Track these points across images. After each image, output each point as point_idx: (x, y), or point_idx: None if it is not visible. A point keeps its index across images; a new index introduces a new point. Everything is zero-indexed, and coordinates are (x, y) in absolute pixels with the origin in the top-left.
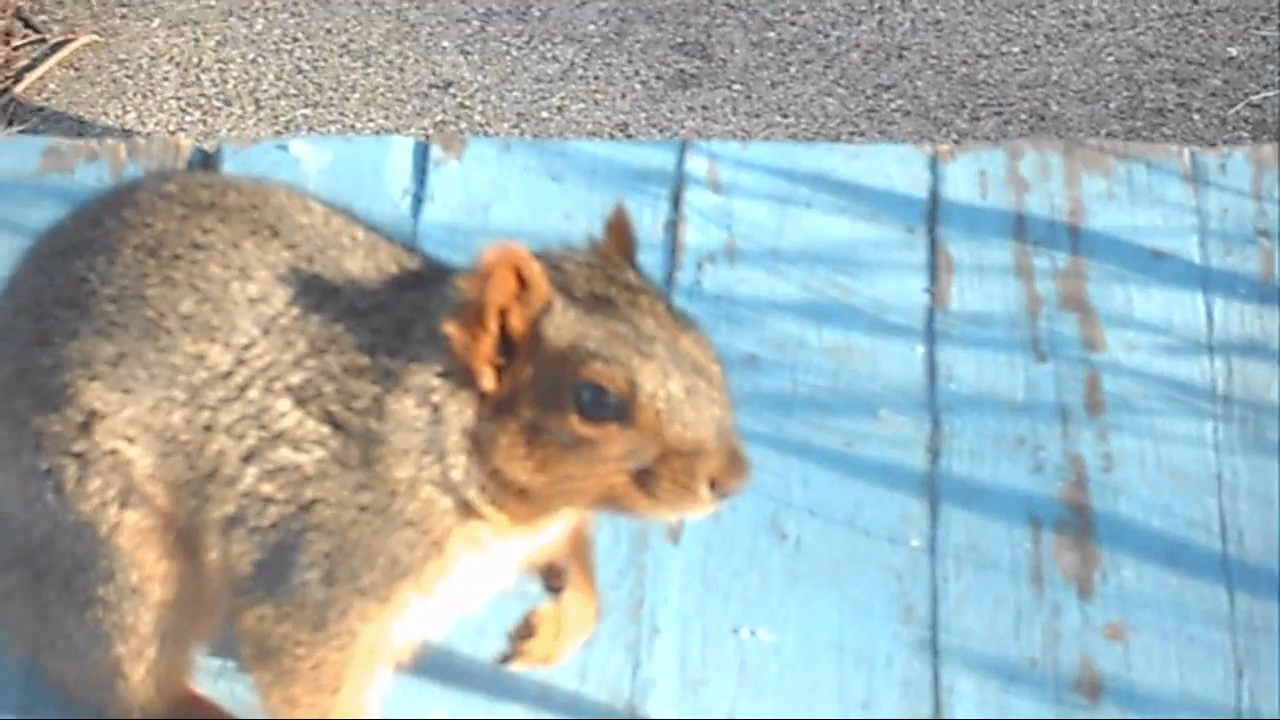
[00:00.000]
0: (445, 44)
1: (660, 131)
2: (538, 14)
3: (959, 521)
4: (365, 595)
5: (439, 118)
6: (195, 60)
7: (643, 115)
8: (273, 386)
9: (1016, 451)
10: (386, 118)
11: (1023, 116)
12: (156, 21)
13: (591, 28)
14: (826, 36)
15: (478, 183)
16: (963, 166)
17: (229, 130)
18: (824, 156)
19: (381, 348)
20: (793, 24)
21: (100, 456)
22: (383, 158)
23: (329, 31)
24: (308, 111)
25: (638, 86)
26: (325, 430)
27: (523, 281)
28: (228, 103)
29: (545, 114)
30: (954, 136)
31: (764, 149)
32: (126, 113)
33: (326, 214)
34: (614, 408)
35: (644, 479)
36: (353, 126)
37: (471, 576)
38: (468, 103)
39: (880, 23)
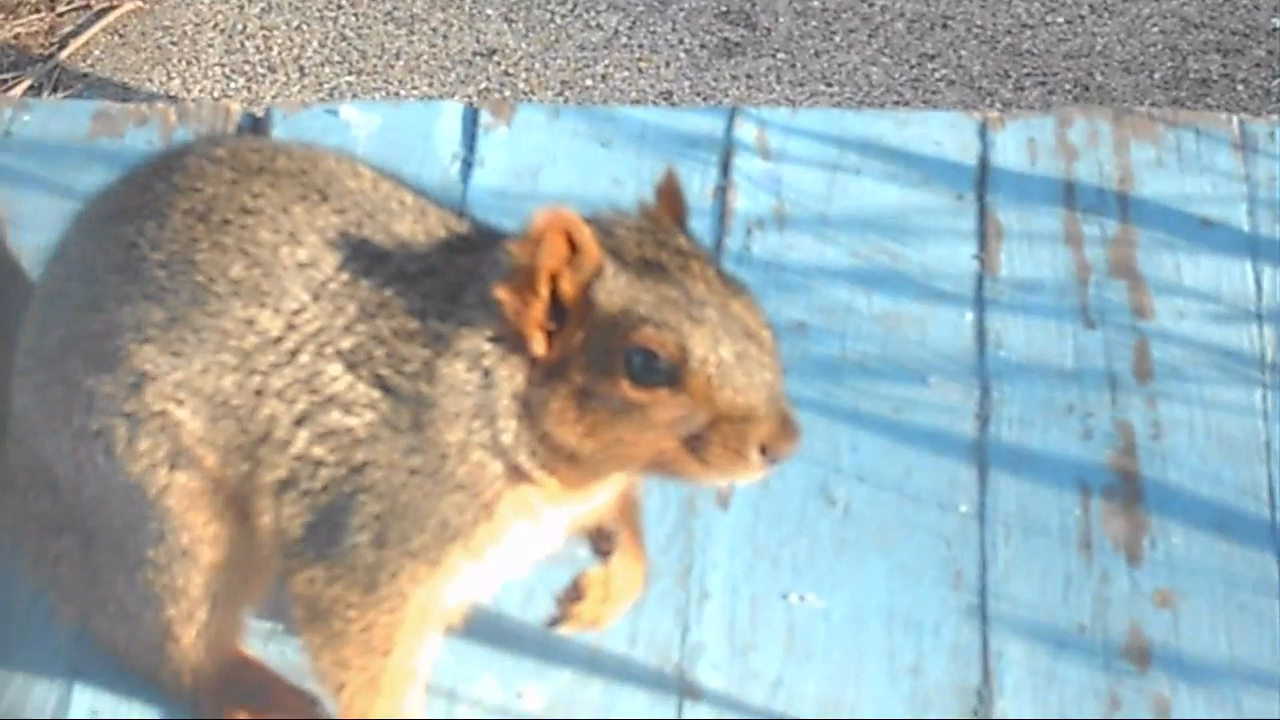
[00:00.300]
0: (489, 11)
1: (704, 100)
2: None
3: (1008, 488)
4: (415, 558)
5: (483, 85)
6: (240, 27)
7: (686, 83)
8: (323, 351)
9: (1066, 418)
10: (430, 85)
11: (1067, 86)
12: None
13: None
14: (871, 5)
15: (527, 148)
16: (1012, 134)
17: (273, 97)
18: (873, 123)
19: (432, 312)
20: None
21: (150, 417)
22: (432, 123)
23: None
24: (352, 79)
25: (682, 55)
26: (376, 394)
27: (574, 246)
28: (272, 70)
29: (589, 82)
30: (998, 106)
31: (813, 115)
32: (171, 79)
33: (375, 179)
34: (665, 373)
35: (695, 444)
36: (397, 94)
37: (521, 541)
38: (511, 70)
39: None
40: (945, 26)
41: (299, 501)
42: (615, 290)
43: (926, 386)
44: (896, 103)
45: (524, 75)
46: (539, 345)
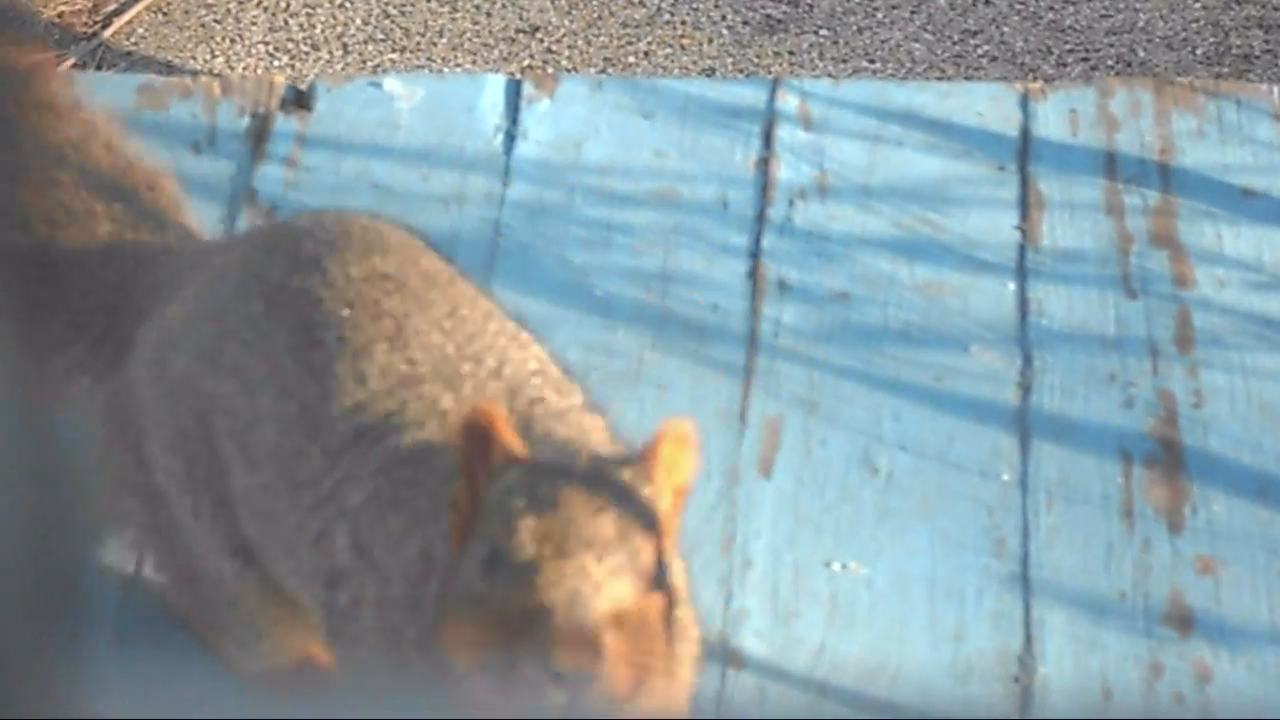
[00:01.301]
0: None
1: (746, 76)
2: None
3: (1050, 456)
4: None
5: (526, 62)
6: (283, 5)
7: (729, 60)
8: (342, 506)
9: (1107, 387)
10: (474, 62)
11: (1109, 62)
12: None
13: None
14: None
15: (570, 120)
16: (1054, 105)
17: (316, 75)
18: (915, 94)
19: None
20: None
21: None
22: (475, 95)
23: None
24: (395, 56)
25: (724, 31)
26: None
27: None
28: (315, 47)
29: (631, 59)
30: (1040, 82)
31: (855, 87)
32: (215, 57)
33: (486, 315)
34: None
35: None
36: (440, 71)
37: None
38: (554, 47)
39: None
40: (988, 3)
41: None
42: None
43: (968, 355)
44: (939, 78)
45: (566, 52)
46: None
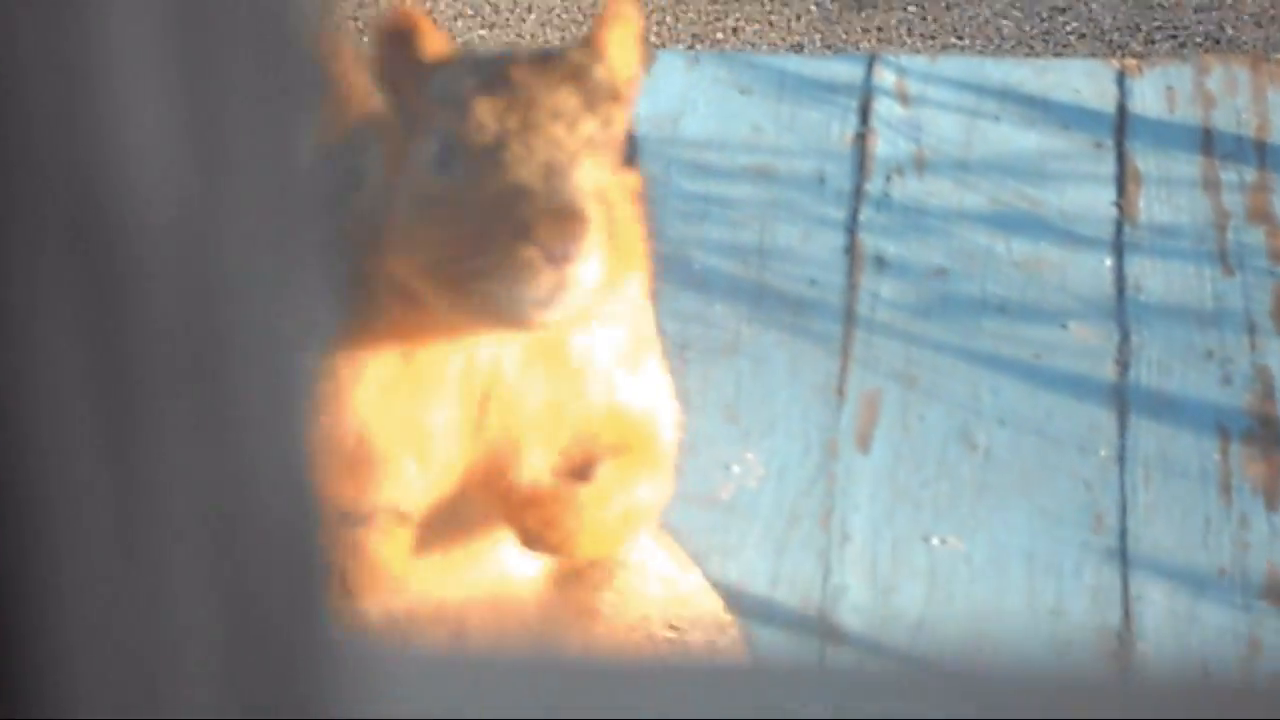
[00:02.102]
0: None
1: (834, 52)
2: None
3: (1148, 432)
4: None
5: None
6: None
7: (817, 36)
8: None
9: (1205, 363)
10: (562, 38)
11: (1198, 39)
12: None
13: None
14: None
15: (666, 95)
16: (1150, 82)
17: None
18: (1012, 71)
19: None
20: None
21: None
22: None
23: None
24: (484, 33)
25: (812, 7)
26: None
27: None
28: None
29: (719, 35)
30: (1136, 59)
31: (952, 63)
32: None
33: None
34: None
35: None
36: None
37: None
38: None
39: None
40: None
41: None
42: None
43: (1066, 331)
44: (1027, 54)
45: (655, 28)
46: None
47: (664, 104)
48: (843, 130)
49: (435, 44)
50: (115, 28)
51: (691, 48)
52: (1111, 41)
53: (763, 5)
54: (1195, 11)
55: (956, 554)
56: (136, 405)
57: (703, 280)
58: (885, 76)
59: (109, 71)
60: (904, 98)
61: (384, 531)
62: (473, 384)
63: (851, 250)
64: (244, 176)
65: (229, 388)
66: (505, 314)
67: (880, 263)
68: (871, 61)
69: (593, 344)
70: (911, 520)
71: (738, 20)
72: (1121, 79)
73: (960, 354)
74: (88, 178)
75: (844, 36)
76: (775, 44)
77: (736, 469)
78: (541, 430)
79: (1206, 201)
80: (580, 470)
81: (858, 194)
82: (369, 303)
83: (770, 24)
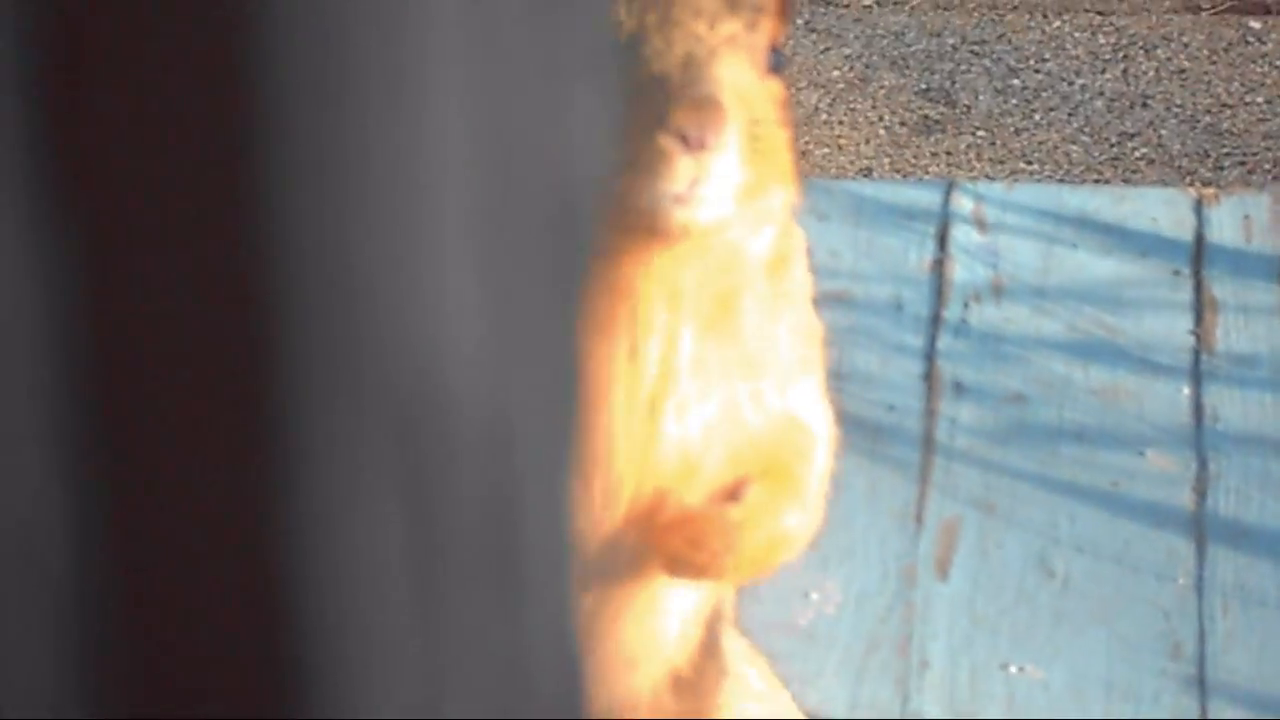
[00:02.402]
0: None
1: (903, 176)
2: None
3: (1226, 560)
4: None
5: None
6: None
7: (886, 160)
8: None
9: None
10: None
11: (1266, 166)
12: None
13: (836, 73)
14: (1070, 84)
15: None
16: (1227, 210)
17: None
18: (1089, 199)
19: None
20: (1037, 71)
21: None
22: None
23: None
24: None
25: (881, 131)
26: None
27: None
28: None
29: None
30: (1197, 184)
31: (1029, 190)
32: None
33: None
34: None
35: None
36: None
37: None
38: None
39: (1124, 71)
40: (1145, 105)
41: None
42: None
43: (1144, 459)
44: (1097, 180)
45: None
46: None
47: None
48: (920, 256)
49: None
50: (434, 232)
51: None
52: (1180, 168)
53: (831, 129)
54: (1264, 139)
55: (1035, 682)
56: (444, 581)
57: None
58: (963, 203)
59: (432, 272)
60: (981, 224)
61: None
62: (640, 378)
63: (929, 376)
64: (537, 369)
65: (522, 567)
66: (648, 210)
67: (958, 389)
68: (949, 188)
69: (766, 331)
70: (990, 648)
71: (806, 144)
72: (1199, 207)
73: (1038, 481)
74: (409, 372)
75: (913, 161)
76: (844, 167)
77: (815, 595)
78: (714, 438)
79: None
80: (729, 490)
81: (935, 320)
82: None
83: (839, 147)
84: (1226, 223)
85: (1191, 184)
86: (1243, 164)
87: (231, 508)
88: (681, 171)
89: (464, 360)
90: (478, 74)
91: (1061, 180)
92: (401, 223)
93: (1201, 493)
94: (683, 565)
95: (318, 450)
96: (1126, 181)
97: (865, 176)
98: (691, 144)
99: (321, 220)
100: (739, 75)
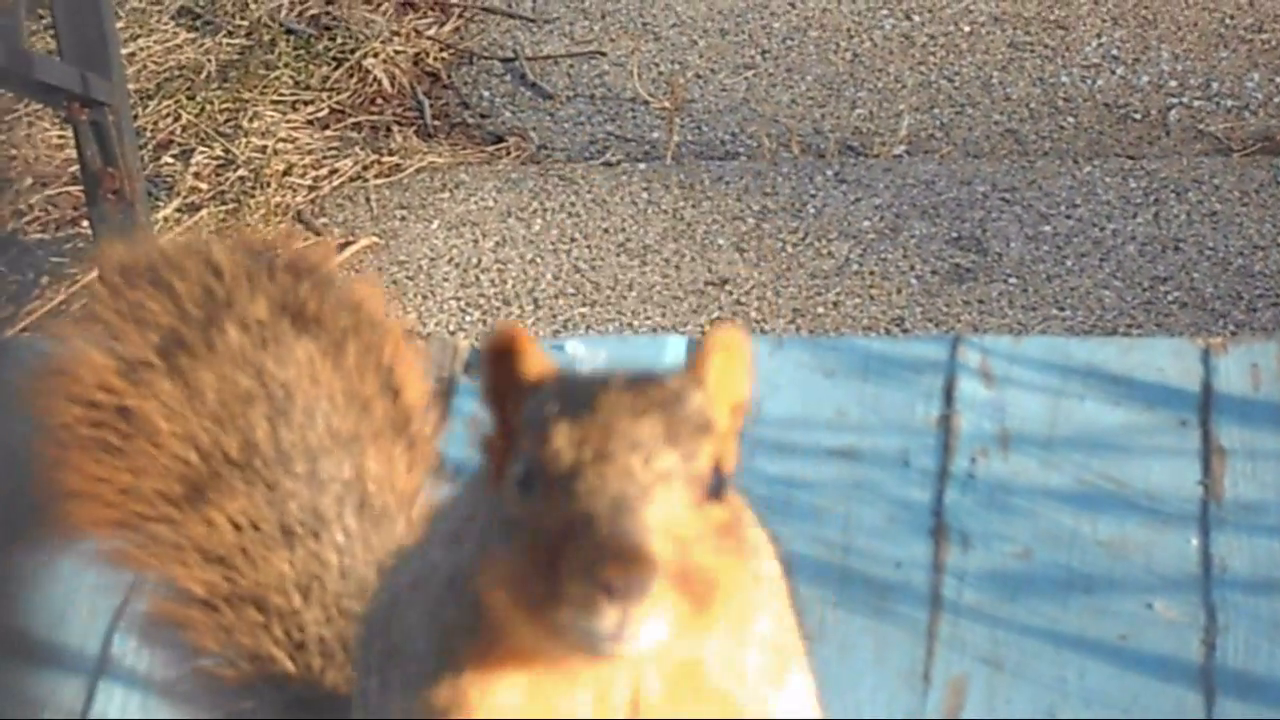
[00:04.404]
0: (721, 241)
1: (936, 325)
2: (813, 211)
3: (1235, 712)
4: None
5: (715, 314)
6: (475, 261)
7: (918, 309)
8: None
9: None
10: (663, 315)
11: None
12: (435, 223)
13: (866, 223)
14: (1102, 230)
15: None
16: (1235, 359)
17: None
18: (1097, 350)
19: None
20: (1068, 217)
21: None
22: (658, 355)
23: (606, 231)
24: (585, 310)
25: (913, 281)
26: None
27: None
28: (506, 302)
29: (820, 309)
30: (1230, 328)
31: (1037, 343)
32: (407, 313)
33: None
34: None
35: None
36: (630, 324)
37: None
38: (744, 299)
39: (1155, 215)
40: (1177, 249)
41: None
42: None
43: (1152, 611)
44: (1129, 325)
45: (755, 304)
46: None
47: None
48: (927, 411)
49: (535, 363)
50: None
51: (792, 322)
52: (1213, 310)
53: (863, 279)
54: None
55: None
56: None
57: (786, 565)
58: (969, 357)
59: None
60: (988, 378)
61: None
62: (610, 713)
63: (936, 531)
64: None
65: None
66: (581, 646)
67: (965, 543)
68: (955, 342)
69: (732, 664)
70: None
71: (838, 294)
72: (1206, 357)
73: (1046, 636)
74: None
75: (945, 309)
76: (876, 318)
77: None
78: None
79: None
80: None
81: (942, 474)
82: (492, 632)
83: (871, 298)
84: (1234, 371)
85: (1225, 326)
86: (1276, 305)
87: None
88: (608, 617)
89: None
90: None
91: (1094, 326)
92: None
93: (1210, 644)
94: None
95: None
96: (1159, 325)
97: (897, 326)
98: (615, 595)
99: None
100: (672, 513)
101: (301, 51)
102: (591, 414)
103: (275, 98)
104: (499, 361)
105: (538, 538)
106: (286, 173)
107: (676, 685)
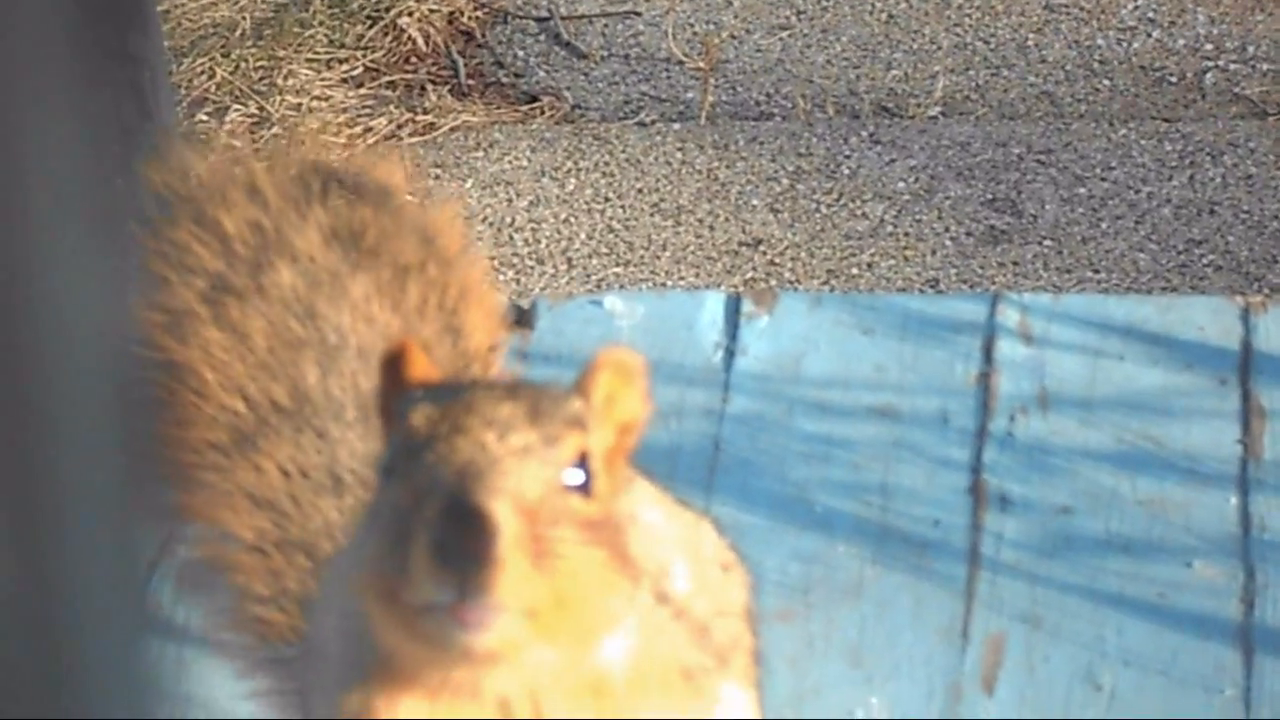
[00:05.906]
0: (755, 202)
1: (970, 287)
2: (847, 172)
3: (1274, 672)
4: None
5: (749, 275)
6: (509, 220)
7: (953, 271)
8: None
9: None
10: (697, 275)
11: None
12: (469, 182)
13: (901, 185)
14: (1137, 192)
15: (789, 336)
16: (1275, 318)
17: (541, 289)
18: (1136, 309)
19: None
20: (1103, 180)
21: None
22: (695, 312)
23: (640, 191)
24: (619, 270)
25: (948, 242)
26: None
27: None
28: (540, 262)
29: (855, 270)
30: (1265, 290)
31: (1076, 301)
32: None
33: None
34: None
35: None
36: (664, 284)
37: None
38: (777, 260)
39: (1191, 178)
40: (1212, 212)
41: None
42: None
43: (1191, 570)
44: (1164, 288)
45: (789, 265)
46: None
47: (786, 345)
48: (966, 369)
49: (421, 370)
50: None
51: (826, 283)
52: (1248, 273)
53: (898, 240)
54: None
55: None
56: None
57: (826, 521)
58: (1009, 315)
59: None
60: (1027, 337)
61: None
62: None
63: (975, 490)
64: None
65: None
66: (431, 638)
67: (1004, 502)
68: (994, 300)
69: (637, 672)
70: None
71: (873, 255)
72: (1246, 316)
73: (1085, 594)
74: None
75: (979, 271)
76: (911, 279)
77: (860, 712)
78: None
79: None
80: None
81: (981, 433)
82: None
83: (905, 258)
84: (1274, 330)
85: (1260, 289)
86: None
87: None
88: (446, 584)
89: None
90: None
91: (1129, 289)
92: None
93: (1249, 603)
94: None
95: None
96: (1194, 289)
97: (932, 288)
98: (450, 559)
99: None
100: (523, 485)
101: (336, 10)
102: (455, 398)
103: (310, 56)
104: (389, 370)
105: (390, 518)
106: (321, 131)
107: (580, 705)
